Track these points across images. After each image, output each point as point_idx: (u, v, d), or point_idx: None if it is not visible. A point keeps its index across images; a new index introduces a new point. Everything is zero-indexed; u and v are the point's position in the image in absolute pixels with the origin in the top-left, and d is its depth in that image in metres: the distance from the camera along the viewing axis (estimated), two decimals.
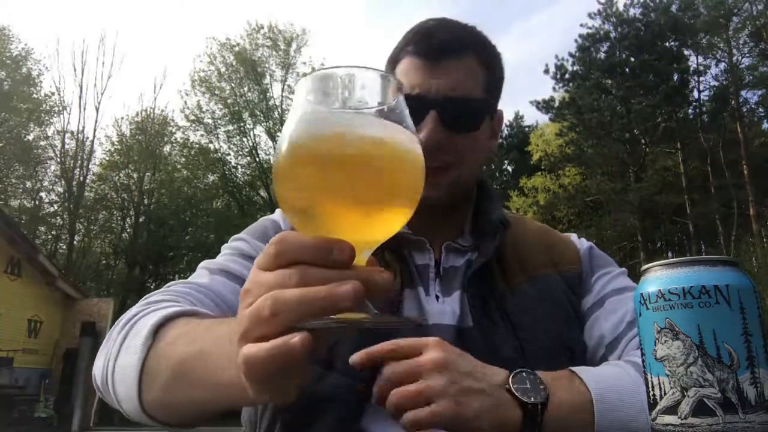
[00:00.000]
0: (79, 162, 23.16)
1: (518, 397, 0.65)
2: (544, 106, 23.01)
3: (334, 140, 0.42)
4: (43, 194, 24.29)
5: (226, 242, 1.05)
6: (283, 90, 25.08)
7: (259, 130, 25.15)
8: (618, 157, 21.93)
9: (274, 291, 0.40)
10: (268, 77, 25.24)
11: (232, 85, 24.74)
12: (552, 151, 23.91)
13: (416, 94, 0.90)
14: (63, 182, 23.29)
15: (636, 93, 20.80)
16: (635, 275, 0.58)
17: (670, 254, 23.71)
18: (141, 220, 24.34)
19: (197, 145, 25.25)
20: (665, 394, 0.51)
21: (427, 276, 0.94)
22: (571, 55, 23.01)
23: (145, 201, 24.34)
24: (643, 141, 21.90)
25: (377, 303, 0.44)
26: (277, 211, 1.03)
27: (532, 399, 0.65)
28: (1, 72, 22.84)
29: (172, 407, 0.66)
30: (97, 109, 23.67)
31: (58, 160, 23.47)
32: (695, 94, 22.96)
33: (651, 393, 0.52)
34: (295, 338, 0.39)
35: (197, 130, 25.08)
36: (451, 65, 0.91)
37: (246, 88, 24.95)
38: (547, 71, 23.01)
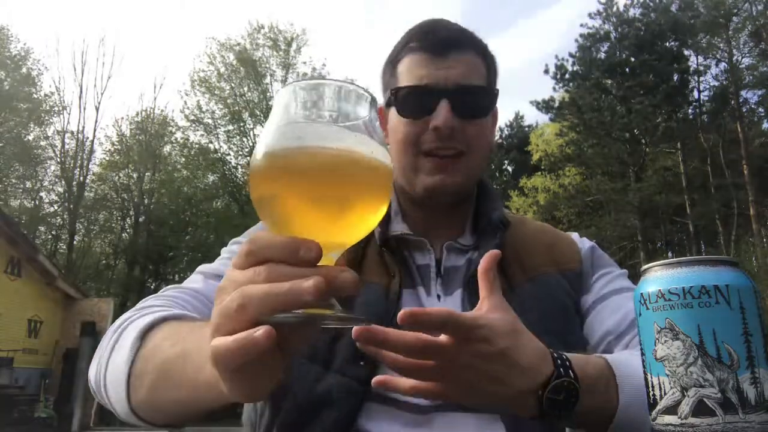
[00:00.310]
0: (79, 162, 23.17)
1: (543, 408, 0.61)
2: (544, 106, 23.01)
3: (302, 150, 0.45)
4: (43, 194, 24.33)
5: (226, 243, 1.05)
6: None
7: (259, 130, 25.11)
8: (618, 157, 21.92)
9: (243, 287, 0.42)
10: (268, 77, 25.22)
11: (232, 85, 24.74)
12: (552, 151, 23.90)
13: (425, 84, 0.93)
14: (63, 182, 23.30)
15: (636, 93, 20.79)
16: (635, 275, 0.58)
17: (670, 254, 23.70)
18: (141, 220, 24.34)
19: (197, 145, 25.26)
20: (665, 394, 0.51)
21: (429, 276, 0.95)
22: (571, 55, 23.03)
23: (145, 201, 24.33)
24: (643, 141, 21.89)
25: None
26: None
27: (555, 413, 0.62)
28: (0, 72, 22.83)
29: (158, 407, 0.68)
30: (97, 109, 23.67)
31: (58, 160, 23.49)
32: (695, 94, 22.99)
33: (651, 393, 0.52)
34: (259, 331, 0.40)
35: (197, 130, 25.09)
36: (457, 57, 0.94)
37: (246, 88, 24.94)
38: (547, 71, 23.01)
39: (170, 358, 0.62)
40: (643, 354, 0.54)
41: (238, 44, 24.88)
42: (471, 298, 0.90)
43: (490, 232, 0.98)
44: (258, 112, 24.68)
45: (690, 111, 22.92)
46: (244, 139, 25.13)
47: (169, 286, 0.93)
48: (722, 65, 22.34)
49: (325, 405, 0.80)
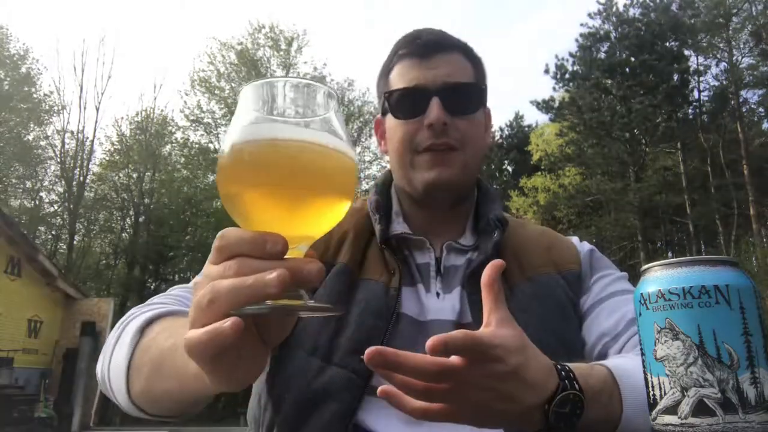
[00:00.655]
0: (79, 162, 23.17)
1: (549, 421, 0.61)
2: (544, 106, 23.01)
3: (261, 146, 0.47)
4: (43, 194, 24.32)
5: None
6: None
7: None
8: (618, 157, 21.92)
9: (213, 282, 0.44)
10: (269, 77, 25.24)
11: (232, 84, 24.73)
12: (552, 151, 23.90)
13: (415, 85, 0.97)
14: (63, 182, 23.30)
15: (636, 93, 20.78)
16: (635, 275, 0.58)
17: (670, 254, 23.70)
18: (141, 220, 24.34)
19: (197, 145, 25.25)
20: (665, 394, 0.51)
21: (428, 274, 0.96)
22: (571, 55, 23.02)
23: (145, 201, 24.33)
24: (643, 141, 21.89)
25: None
26: None
27: (561, 426, 0.62)
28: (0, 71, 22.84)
29: (154, 398, 0.71)
30: (97, 109, 23.67)
31: (58, 160, 23.48)
32: (695, 94, 22.98)
33: (651, 393, 0.52)
34: (227, 323, 0.42)
35: (197, 130, 25.08)
36: (442, 58, 0.99)
37: None
38: (547, 71, 23.01)
39: (164, 350, 0.65)
40: (643, 354, 0.54)
41: (240, 44, 24.89)
42: (470, 296, 0.90)
43: (489, 231, 0.98)
44: None
45: (690, 111, 22.91)
46: None
47: (175, 286, 0.95)
48: (722, 65, 22.37)
49: (326, 398, 0.82)
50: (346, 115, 25.34)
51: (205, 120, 24.79)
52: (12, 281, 11.73)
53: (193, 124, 24.93)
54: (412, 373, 0.56)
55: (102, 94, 24.05)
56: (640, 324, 0.55)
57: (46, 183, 24.35)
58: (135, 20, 41.13)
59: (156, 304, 0.85)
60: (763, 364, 0.49)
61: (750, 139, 20.73)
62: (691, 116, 22.92)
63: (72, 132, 23.86)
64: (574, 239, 1.08)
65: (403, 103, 0.98)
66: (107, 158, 24.51)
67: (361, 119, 25.66)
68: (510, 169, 31.02)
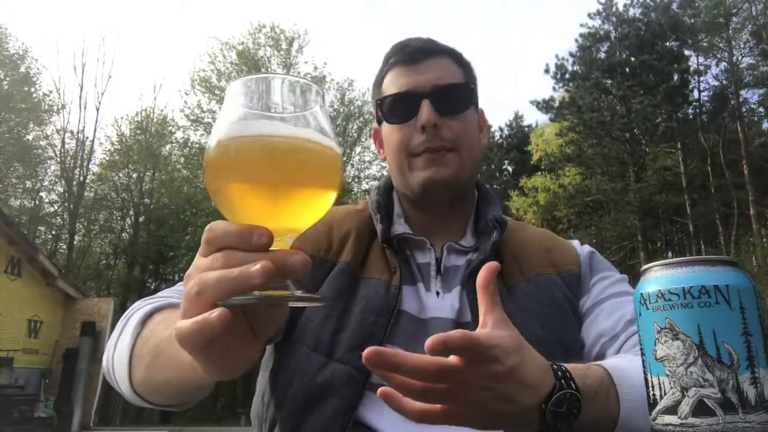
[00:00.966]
0: (79, 162, 23.16)
1: (547, 421, 0.61)
2: (544, 106, 23.00)
3: (244, 140, 0.48)
4: (43, 194, 24.32)
5: None
6: None
7: None
8: (618, 157, 21.91)
9: (201, 273, 0.46)
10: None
11: None
12: (552, 151, 23.89)
13: (406, 90, 0.99)
14: (63, 182, 23.29)
15: (636, 93, 20.78)
16: (635, 275, 0.58)
17: (670, 254, 23.69)
18: (141, 220, 24.34)
19: (197, 145, 25.24)
20: (665, 394, 0.51)
21: (428, 273, 0.97)
22: (571, 54, 23.02)
23: (145, 201, 24.33)
24: (643, 141, 21.88)
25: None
26: None
27: (559, 426, 0.62)
28: None
29: (154, 387, 0.72)
30: (97, 109, 23.66)
31: (58, 160, 23.48)
32: (695, 94, 22.97)
33: (651, 393, 0.52)
34: (214, 314, 0.43)
35: (197, 129, 25.08)
36: (431, 63, 1.01)
37: None
38: (547, 71, 23.01)
39: (162, 340, 0.67)
40: (643, 354, 0.54)
41: (241, 43, 24.88)
42: (469, 295, 0.91)
43: (488, 232, 1.00)
44: None
45: (690, 111, 22.90)
46: None
47: (181, 282, 0.96)
48: (722, 65, 22.36)
49: (327, 393, 0.83)
50: (346, 115, 25.32)
51: (206, 120, 24.77)
52: (12, 281, 11.73)
53: (194, 124, 24.92)
54: (411, 374, 0.56)
55: (102, 94, 24.10)
56: (640, 324, 0.55)
57: (46, 183, 24.38)
58: (135, 20, 41.17)
59: (159, 297, 0.87)
60: (763, 364, 0.49)
61: (750, 139, 20.73)
62: (691, 116, 22.92)
63: (72, 132, 23.86)
64: (575, 242, 1.09)
65: (395, 108, 1.01)
66: (107, 158, 24.51)
67: (361, 119, 25.65)
68: (510, 169, 31.01)
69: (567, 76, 22.79)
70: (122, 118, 27.97)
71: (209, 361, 0.48)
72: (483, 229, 1.01)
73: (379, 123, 1.07)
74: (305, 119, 0.51)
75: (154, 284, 23.93)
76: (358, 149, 25.78)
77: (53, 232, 24.35)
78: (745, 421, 0.47)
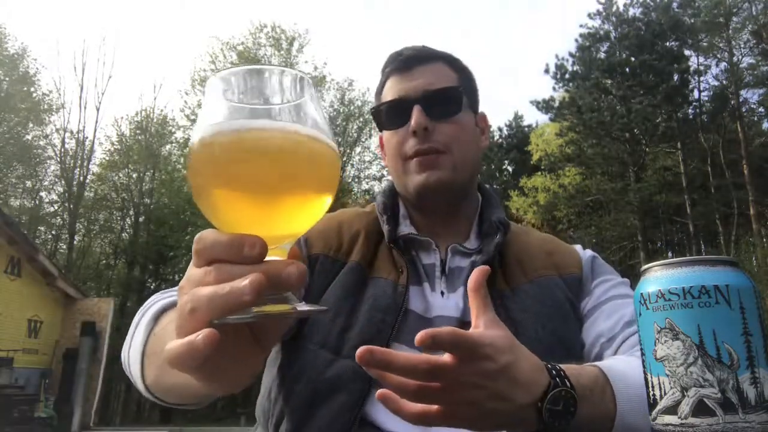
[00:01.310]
0: (79, 162, 23.17)
1: (544, 420, 0.61)
2: (544, 106, 23.00)
3: (235, 138, 0.43)
4: (43, 194, 24.33)
5: None
6: None
7: None
8: (618, 157, 21.91)
9: (194, 289, 0.43)
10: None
11: None
12: (552, 151, 23.88)
13: (399, 97, 1.02)
14: (63, 182, 23.30)
15: (636, 93, 20.78)
16: (635, 275, 0.58)
17: (670, 254, 23.69)
18: (141, 220, 24.34)
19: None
20: (665, 394, 0.51)
21: (434, 274, 0.99)
22: (571, 54, 23.02)
23: (145, 201, 24.33)
24: (643, 141, 21.88)
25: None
26: None
27: (556, 425, 0.62)
28: None
29: (165, 389, 0.71)
30: (98, 109, 23.68)
31: (58, 159, 23.49)
32: (695, 94, 22.97)
33: (651, 393, 0.52)
34: (199, 336, 0.40)
35: None
36: (423, 69, 1.04)
37: None
38: (547, 71, 23.01)
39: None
40: (643, 354, 0.54)
41: (242, 43, 24.90)
42: None
43: (491, 234, 1.01)
44: None
45: (690, 111, 22.89)
46: None
47: None
48: (722, 65, 22.35)
49: (334, 389, 0.84)
50: (346, 115, 25.32)
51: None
52: (12, 281, 11.72)
53: (194, 124, 24.91)
54: (403, 371, 0.56)
55: (102, 94, 24.08)
56: (640, 324, 0.55)
57: (46, 183, 24.38)
58: (135, 20, 41.17)
59: (176, 290, 0.86)
60: (763, 364, 0.49)
61: (750, 139, 20.72)
62: (691, 116, 22.91)
63: (72, 132, 23.88)
64: (577, 247, 1.10)
65: (390, 114, 1.04)
66: (107, 158, 24.52)
67: (361, 119, 25.65)
68: (510, 169, 31.01)
69: (567, 76, 22.79)
70: (122, 118, 28.02)
71: (206, 380, 0.46)
72: (487, 231, 1.03)
73: (381, 130, 1.10)
74: (296, 112, 0.46)
75: (154, 284, 23.93)
76: (358, 149, 25.81)
77: (53, 232, 24.36)
78: (745, 421, 0.47)
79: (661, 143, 22.16)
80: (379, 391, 0.61)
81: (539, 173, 24.65)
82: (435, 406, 0.59)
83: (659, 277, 0.53)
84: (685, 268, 0.52)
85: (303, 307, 0.44)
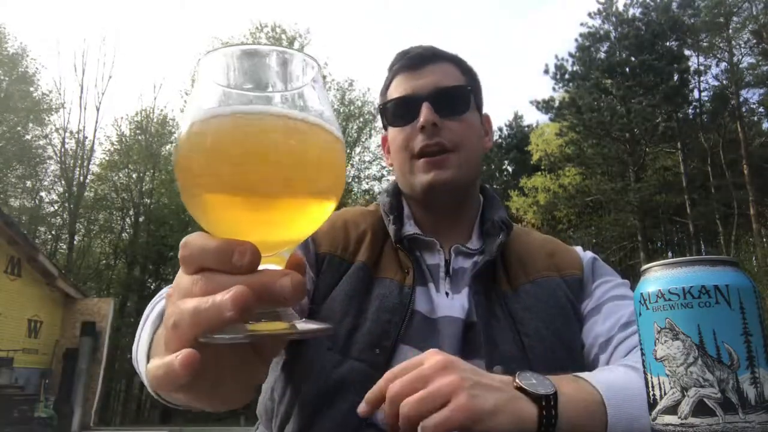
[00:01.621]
0: (79, 162, 23.18)
1: (530, 391, 0.64)
2: (544, 106, 22.99)
3: (228, 129, 0.38)
4: (43, 194, 24.33)
5: None
6: None
7: None
8: (618, 157, 21.90)
9: (180, 301, 0.39)
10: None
11: None
12: (552, 151, 23.89)
13: (407, 94, 1.02)
14: (63, 182, 23.31)
15: (636, 93, 20.78)
16: (635, 275, 0.58)
17: (670, 254, 23.69)
18: (141, 220, 24.35)
19: None
20: (665, 394, 0.51)
21: (438, 275, 0.99)
22: (571, 55, 23.01)
23: (145, 201, 24.34)
24: (643, 141, 21.87)
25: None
26: None
27: (543, 391, 0.64)
28: None
29: (168, 393, 0.68)
30: (98, 109, 23.69)
31: (58, 159, 23.50)
32: (695, 94, 22.97)
33: (651, 393, 0.52)
34: (178, 357, 0.37)
35: None
36: (432, 68, 1.04)
37: None
38: (547, 71, 23.00)
39: None
40: (643, 354, 0.54)
41: (242, 43, 24.86)
42: (474, 296, 0.94)
43: (494, 233, 1.02)
44: None
45: (690, 111, 22.90)
46: None
47: None
48: (722, 65, 22.35)
49: (342, 390, 0.84)
50: (346, 115, 25.31)
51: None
52: (12, 281, 11.73)
53: None
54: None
55: (102, 94, 24.10)
56: (640, 324, 0.55)
57: (46, 183, 24.39)
58: (135, 20, 41.17)
59: None
60: (763, 364, 0.49)
61: (750, 139, 20.72)
62: (691, 116, 22.91)
63: (72, 132, 23.90)
64: (578, 248, 1.11)
65: (397, 111, 1.04)
66: (107, 158, 24.53)
67: (361, 119, 25.65)
68: (510, 169, 31.01)
69: (567, 76, 22.79)
70: (122, 118, 28.03)
71: (200, 398, 0.43)
72: (489, 231, 1.03)
73: (385, 129, 1.10)
74: (299, 100, 0.40)
75: (154, 284, 23.94)
76: (358, 149, 25.78)
77: (53, 232, 24.36)
78: (745, 421, 0.47)
79: (661, 143, 22.15)
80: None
81: (539, 173, 24.66)
82: (435, 416, 0.60)
83: (659, 277, 0.53)
84: (685, 268, 0.52)
85: (303, 325, 0.39)
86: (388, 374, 0.65)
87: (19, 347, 11.64)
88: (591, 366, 0.91)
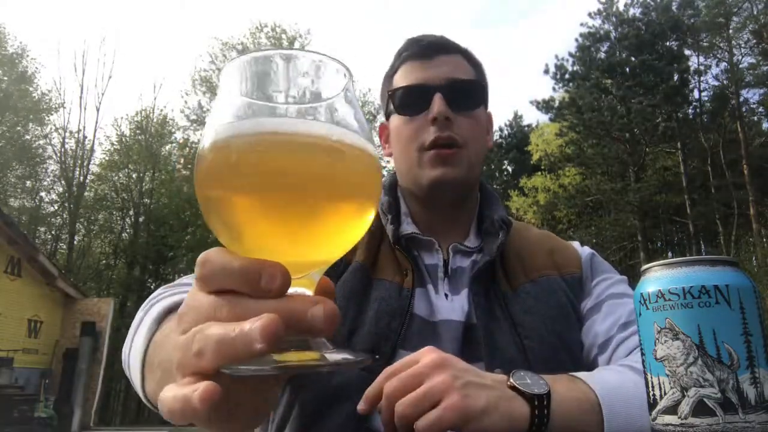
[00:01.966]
0: (79, 162, 23.18)
1: (523, 391, 0.64)
2: (544, 106, 22.99)
3: (258, 142, 0.35)
4: (43, 194, 24.35)
5: None
6: None
7: None
8: (618, 157, 21.91)
9: (203, 326, 0.36)
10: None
11: None
12: (552, 151, 23.89)
13: (419, 83, 0.99)
14: (63, 182, 23.31)
15: (636, 93, 20.78)
16: (635, 275, 0.58)
17: (670, 254, 23.69)
18: (141, 220, 24.35)
19: (196, 146, 25.25)
20: (665, 394, 0.50)
21: (437, 276, 0.97)
22: (571, 54, 23.02)
23: (145, 201, 24.34)
24: (643, 141, 21.87)
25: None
26: None
27: (536, 391, 0.64)
28: None
29: None
30: (98, 109, 23.71)
31: (58, 159, 23.51)
32: (695, 94, 22.97)
33: (651, 393, 0.52)
34: (197, 392, 0.33)
35: (197, 130, 25.11)
36: (444, 59, 1.01)
37: None
38: (547, 71, 23.00)
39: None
40: (643, 354, 0.54)
41: (241, 43, 24.92)
42: (474, 297, 0.92)
43: (493, 233, 1.00)
44: None
45: (690, 111, 22.90)
46: None
47: None
48: (723, 65, 22.35)
49: (341, 398, 0.82)
50: None
51: (206, 119, 24.83)
52: (12, 281, 11.73)
53: (194, 124, 24.97)
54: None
55: (102, 94, 24.11)
56: (640, 324, 0.55)
57: (46, 183, 24.40)
58: (135, 20, 41.17)
59: (184, 285, 0.81)
60: (763, 364, 0.49)
61: (750, 139, 20.72)
62: (691, 116, 22.91)
63: (72, 131, 23.91)
64: (575, 244, 1.10)
65: (407, 100, 1.01)
66: (107, 158, 24.54)
67: None
68: (510, 169, 31.01)
69: (567, 76, 22.79)
70: (122, 118, 28.05)
71: (213, 426, 0.40)
72: (488, 230, 1.01)
73: (388, 117, 1.07)
74: (332, 110, 0.38)
75: (154, 284, 23.92)
76: None
77: (53, 232, 24.37)
78: (745, 421, 0.47)
79: (661, 143, 22.16)
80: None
81: (539, 173, 24.66)
82: (431, 414, 0.60)
83: (659, 277, 0.53)
84: (685, 268, 0.52)
85: (335, 355, 0.36)
86: (385, 372, 0.65)
87: (19, 347, 11.64)
88: (591, 366, 0.90)
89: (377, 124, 1.13)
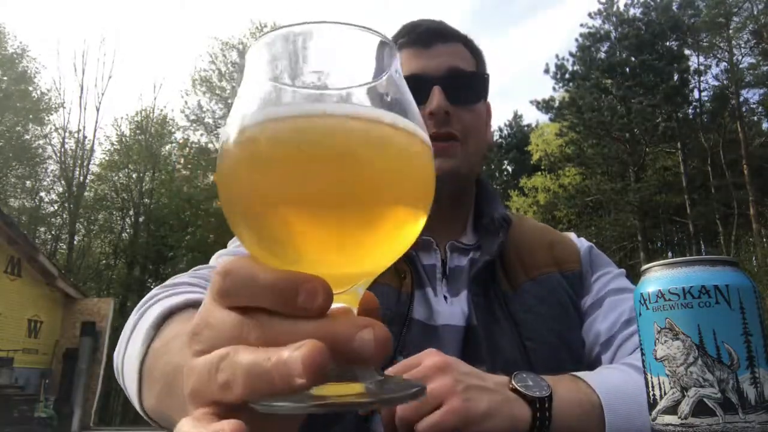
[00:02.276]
0: (79, 162, 23.19)
1: (524, 393, 0.64)
2: (544, 105, 22.99)
3: (294, 130, 0.30)
4: (43, 194, 24.34)
5: (227, 243, 1.05)
6: None
7: None
8: (618, 157, 21.90)
9: (230, 348, 0.30)
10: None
11: (234, 84, 24.76)
12: (552, 151, 23.89)
13: (417, 74, 0.94)
14: (63, 182, 23.31)
15: (636, 93, 20.78)
16: (635, 275, 0.58)
17: (670, 254, 23.69)
18: (141, 220, 24.35)
19: (197, 145, 25.27)
20: (665, 394, 0.50)
21: (435, 276, 0.95)
22: (571, 54, 23.02)
23: (145, 201, 24.34)
24: (643, 141, 21.87)
25: None
26: None
27: (537, 394, 0.64)
28: None
29: (167, 419, 0.58)
30: (98, 109, 23.72)
31: (58, 159, 23.51)
32: (695, 94, 22.96)
33: (651, 393, 0.52)
34: (225, 430, 0.28)
35: (197, 130, 25.13)
36: (443, 48, 0.97)
37: None
38: (547, 71, 23.00)
39: (175, 367, 0.52)
40: (643, 354, 0.54)
41: (241, 43, 24.92)
42: (474, 298, 0.91)
43: (493, 231, 0.98)
44: None
45: (690, 111, 22.90)
46: None
47: (202, 266, 0.89)
48: (723, 65, 22.35)
49: None
50: None
51: (206, 120, 24.82)
52: (12, 281, 11.73)
53: (194, 124, 24.98)
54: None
55: (102, 94, 24.11)
56: (640, 324, 0.54)
57: (46, 183, 24.40)
58: (135, 20, 41.18)
59: (181, 285, 0.78)
60: (763, 364, 0.49)
61: (750, 139, 20.71)
62: (691, 116, 22.91)
63: (71, 131, 23.91)
64: (572, 236, 1.08)
65: None
66: (107, 158, 24.54)
67: None
68: (510, 169, 31.00)
69: (567, 76, 22.79)
70: (122, 118, 28.06)
71: None
72: (488, 228, 0.99)
73: None
74: (379, 93, 0.32)
75: (154, 284, 23.89)
76: None
77: (53, 232, 24.37)
78: (745, 421, 0.47)
79: (661, 143, 22.15)
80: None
81: (539, 173, 24.66)
82: (432, 416, 0.60)
83: (659, 277, 0.53)
84: (685, 268, 0.52)
85: (384, 388, 0.30)
86: (387, 372, 0.65)
87: (19, 347, 11.64)
88: (593, 364, 0.90)
89: None
